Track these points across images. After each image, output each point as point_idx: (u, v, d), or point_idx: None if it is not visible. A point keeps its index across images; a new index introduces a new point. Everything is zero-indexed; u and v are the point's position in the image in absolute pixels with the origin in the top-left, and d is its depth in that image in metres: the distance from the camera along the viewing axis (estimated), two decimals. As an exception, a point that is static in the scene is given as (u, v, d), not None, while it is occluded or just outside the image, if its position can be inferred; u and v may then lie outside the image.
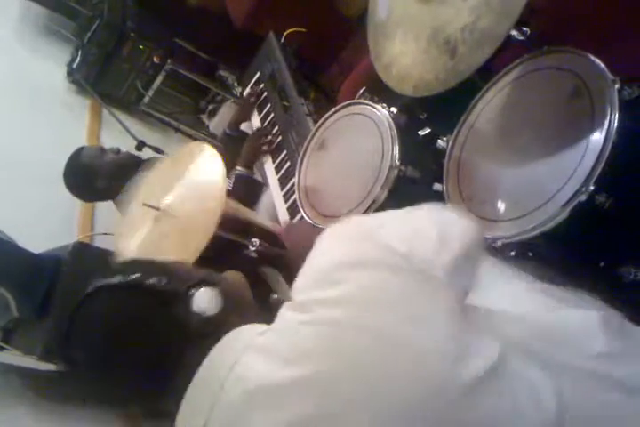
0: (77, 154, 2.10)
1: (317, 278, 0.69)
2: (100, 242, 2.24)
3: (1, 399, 1.72)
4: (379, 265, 0.68)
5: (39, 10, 3.19)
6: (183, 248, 1.49)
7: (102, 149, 2.13)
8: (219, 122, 3.15)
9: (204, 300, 0.75)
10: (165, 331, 0.75)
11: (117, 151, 2.14)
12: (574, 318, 0.79)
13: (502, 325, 0.74)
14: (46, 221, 2.36)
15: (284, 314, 0.69)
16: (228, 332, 0.73)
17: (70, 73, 3.06)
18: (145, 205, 1.51)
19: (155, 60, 3.02)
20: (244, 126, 2.27)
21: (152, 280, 0.76)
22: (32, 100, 2.87)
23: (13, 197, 2.38)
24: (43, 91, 2.97)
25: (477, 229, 0.78)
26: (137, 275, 0.77)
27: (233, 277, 1.67)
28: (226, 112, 3.11)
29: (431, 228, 0.73)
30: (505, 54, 1.20)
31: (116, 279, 0.77)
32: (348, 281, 0.66)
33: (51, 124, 2.82)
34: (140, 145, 2.40)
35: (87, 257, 1.78)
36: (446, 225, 0.75)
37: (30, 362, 1.68)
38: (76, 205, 2.28)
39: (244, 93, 2.22)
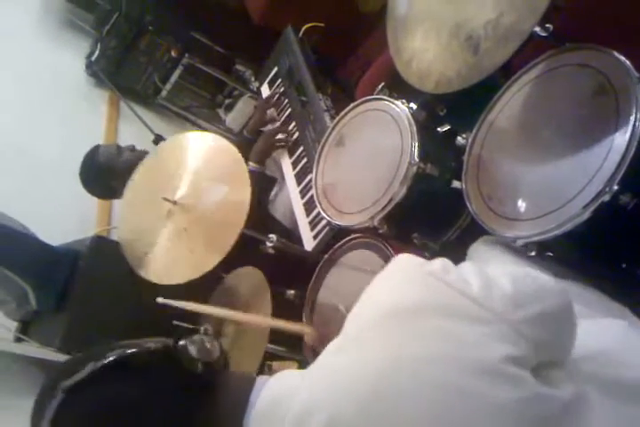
0: (93, 153, 2.08)
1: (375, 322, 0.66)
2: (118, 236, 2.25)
3: (21, 390, 1.74)
4: (442, 312, 0.64)
5: (59, 3, 3.21)
6: (211, 246, 1.48)
7: (119, 148, 2.11)
8: (235, 116, 3.15)
9: (200, 346, 0.71)
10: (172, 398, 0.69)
11: (133, 149, 2.13)
12: (608, 330, 0.78)
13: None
14: (64, 215, 2.38)
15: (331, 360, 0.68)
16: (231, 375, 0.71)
17: (89, 66, 3.07)
18: (164, 199, 1.51)
19: (172, 53, 3.02)
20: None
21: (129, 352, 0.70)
22: (51, 92, 2.89)
23: (32, 190, 2.40)
24: (62, 83, 2.99)
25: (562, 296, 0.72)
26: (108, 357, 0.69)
27: (249, 272, 1.67)
28: (243, 106, 3.11)
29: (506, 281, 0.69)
30: (526, 50, 1.18)
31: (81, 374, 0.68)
32: (411, 327, 0.63)
33: (69, 117, 2.84)
34: (158, 139, 2.40)
35: (105, 250, 1.79)
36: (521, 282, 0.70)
37: (48, 354, 1.70)
38: (94, 198, 2.29)
39: (264, 97, 2.20)
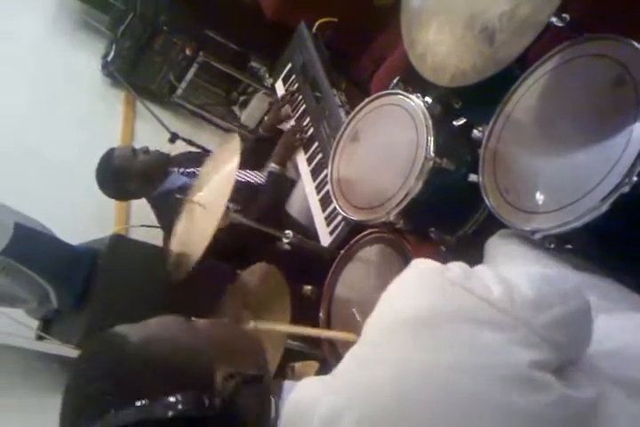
0: (108, 156, 2.08)
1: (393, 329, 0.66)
2: (136, 234, 2.27)
3: (43, 387, 1.77)
4: (464, 319, 0.64)
5: (74, 4, 3.24)
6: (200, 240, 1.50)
7: (134, 151, 2.11)
8: (250, 113, 3.16)
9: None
10: None
11: (146, 150, 2.12)
12: (628, 325, 0.77)
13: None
14: (83, 214, 2.41)
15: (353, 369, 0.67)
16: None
17: (105, 66, 3.09)
18: (187, 200, 1.54)
19: (187, 52, 3.03)
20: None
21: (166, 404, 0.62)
22: (68, 93, 2.92)
23: (50, 190, 2.43)
24: (78, 84, 3.02)
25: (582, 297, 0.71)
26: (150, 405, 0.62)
27: (263, 269, 1.67)
28: (257, 103, 3.11)
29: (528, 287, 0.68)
30: (542, 40, 1.17)
31: (129, 417, 0.62)
32: (434, 335, 0.63)
33: (86, 118, 2.87)
34: (174, 137, 2.42)
35: (124, 249, 1.81)
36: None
37: (69, 351, 1.72)
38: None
39: (279, 95, 2.21)
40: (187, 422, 0.63)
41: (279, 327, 1.20)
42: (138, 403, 0.62)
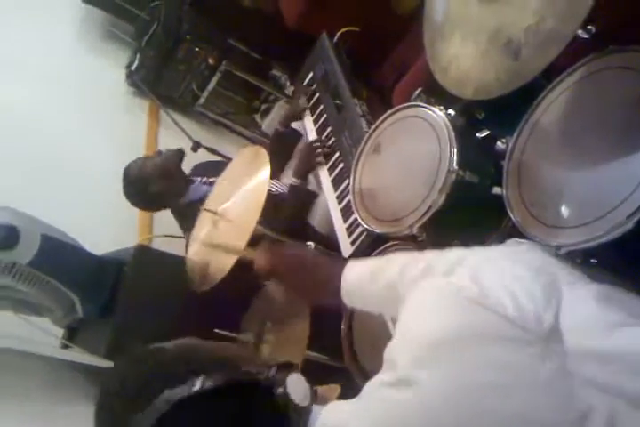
0: (125, 172, 2.13)
1: (417, 355, 0.65)
2: (160, 244, 2.29)
3: (67, 395, 1.79)
4: (488, 337, 0.64)
5: (99, 14, 3.29)
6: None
7: (145, 158, 2.17)
8: (272, 121, 3.17)
9: (300, 387, 0.72)
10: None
11: (159, 153, 2.18)
12: None
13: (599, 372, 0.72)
14: (107, 224, 2.44)
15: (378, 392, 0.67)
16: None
17: (129, 76, 3.13)
18: (205, 209, 1.54)
19: (210, 61, 3.06)
20: (295, 125, 2.29)
21: (224, 377, 0.69)
22: (93, 102, 2.95)
23: (75, 200, 2.46)
24: (103, 94, 3.06)
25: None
26: (201, 380, 0.68)
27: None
28: (279, 112, 3.13)
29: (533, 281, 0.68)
30: (568, 51, 1.15)
31: (182, 391, 0.67)
32: (460, 357, 0.62)
33: (111, 127, 2.91)
34: (196, 146, 2.44)
35: (148, 259, 1.83)
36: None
37: (93, 360, 1.74)
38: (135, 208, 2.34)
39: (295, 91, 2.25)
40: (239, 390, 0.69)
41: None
42: (189, 381, 0.67)
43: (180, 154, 2.18)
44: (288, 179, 2.07)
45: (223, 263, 1.47)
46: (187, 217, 2.03)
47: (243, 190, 1.61)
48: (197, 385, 0.67)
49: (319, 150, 1.97)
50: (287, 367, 0.74)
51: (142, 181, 2.11)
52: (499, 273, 0.69)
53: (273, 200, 2.00)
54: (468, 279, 0.68)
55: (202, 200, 1.94)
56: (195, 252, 1.70)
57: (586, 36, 1.13)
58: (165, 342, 0.78)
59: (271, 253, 1.09)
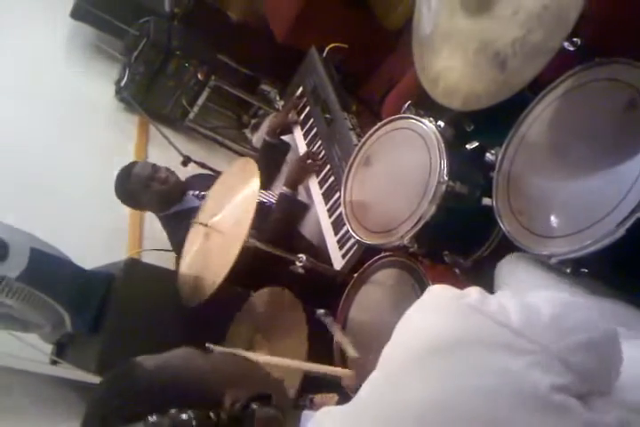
0: (129, 171, 2.19)
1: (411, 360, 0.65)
2: (149, 258, 2.28)
3: (56, 412, 1.76)
4: (484, 344, 0.64)
5: (88, 30, 3.30)
6: (218, 267, 1.50)
7: (151, 178, 2.18)
8: (261, 136, 3.18)
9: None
10: None
11: (165, 181, 2.20)
12: None
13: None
14: (97, 238, 2.43)
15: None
16: None
17: (118, 91, 3.14)
18: (195, 222, 1.54)
19: (199, 76, 3.08)
20: (286, 138, 2.30)
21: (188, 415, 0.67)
22: (83, 118, 2.96)
23: (65, 214, 2.45)
24: (92, 109, 3.06)
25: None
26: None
27: (269, 292, 1.67)
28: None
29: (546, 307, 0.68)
30: (554, 64, 1.17)
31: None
32: (454, 362, 0.62)
33: (101, 142, 2.91)
34: (186, 160, 2.44)
35: (138, 273, 1.81)
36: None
37: (82, 376, 1.72)
38: (126, 221, 2.34)
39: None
40: None
41: (276, 361, 1.21)
42: (149, 418, 0.66)
43: (182, 188, 2.25)
44: (278, 189, 2.08)
45: (216, 275, 1.47)
46: (177, 228, 2.03)
47: (233, 202, 1.61)
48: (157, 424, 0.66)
49: (312, 162, 1.99)
50: (264, 399, 0.72)
51: (135, 198, 2.14)
52: (533, 295, 0.70)
53: (263, 211, 2.01)
54: (475, 291, 0.69)
55: (193, 211, 1.94)
56: (188, 265, 1.70)
57: (572, 49, 1.15)
58: (153, 358, 0.77)
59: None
